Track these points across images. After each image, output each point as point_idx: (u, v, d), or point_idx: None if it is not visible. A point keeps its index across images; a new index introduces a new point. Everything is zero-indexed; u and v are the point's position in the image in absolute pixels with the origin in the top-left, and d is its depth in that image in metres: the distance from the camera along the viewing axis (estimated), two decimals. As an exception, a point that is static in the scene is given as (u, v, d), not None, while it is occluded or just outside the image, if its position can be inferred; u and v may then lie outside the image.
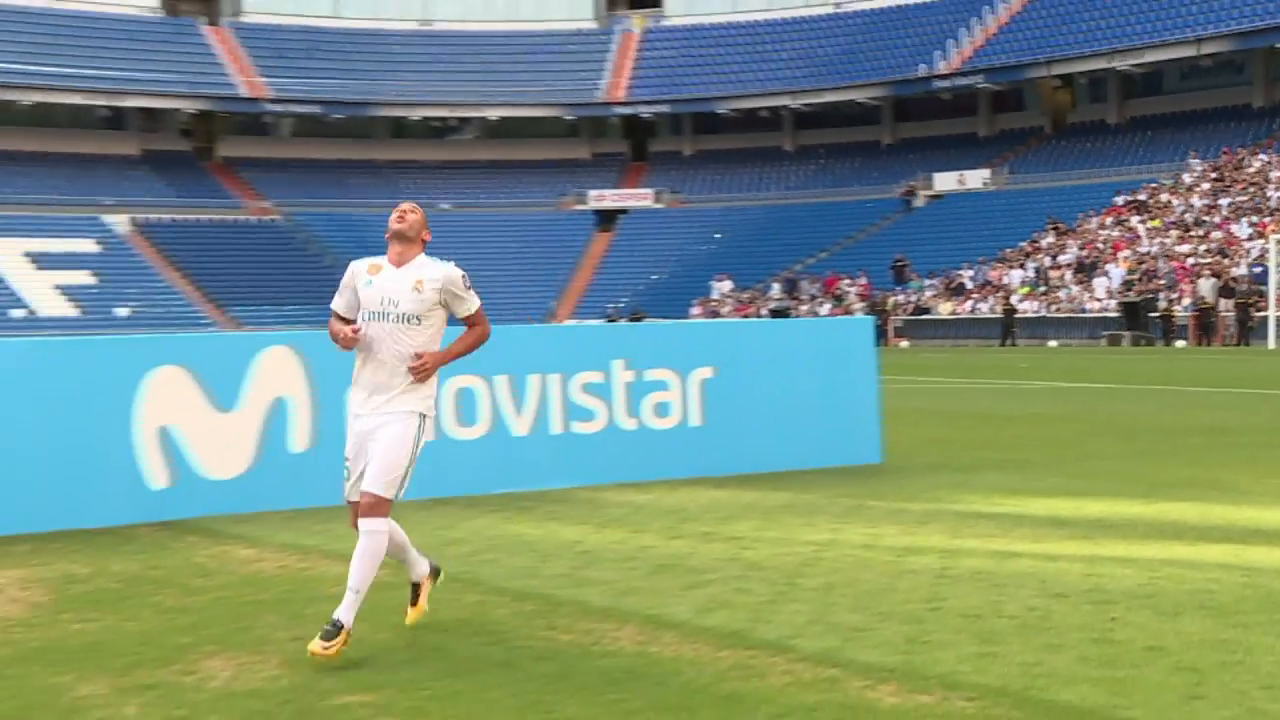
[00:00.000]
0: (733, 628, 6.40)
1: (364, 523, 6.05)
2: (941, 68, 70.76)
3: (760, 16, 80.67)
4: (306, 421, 10.63)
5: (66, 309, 59.50)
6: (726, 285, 64.49)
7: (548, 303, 67.47)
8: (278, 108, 74.71)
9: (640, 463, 11.98)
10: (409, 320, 6.14)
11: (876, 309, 53.67)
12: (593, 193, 77.34)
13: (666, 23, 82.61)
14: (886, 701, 5.23)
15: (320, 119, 76.29)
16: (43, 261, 62.46)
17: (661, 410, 12.13)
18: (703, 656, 5.92)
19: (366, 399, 6.14)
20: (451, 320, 6.46)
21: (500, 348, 11.69)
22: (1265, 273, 46.16)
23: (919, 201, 68.87)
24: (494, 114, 78.02)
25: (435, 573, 6.64)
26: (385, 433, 6.05)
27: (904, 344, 52.57)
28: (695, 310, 62.26)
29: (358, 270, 6.24)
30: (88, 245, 64.41)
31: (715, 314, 60.15)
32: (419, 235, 6.27)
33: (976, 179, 68.27)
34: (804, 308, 59.10)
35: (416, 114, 77.21)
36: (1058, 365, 33.51)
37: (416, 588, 6.54)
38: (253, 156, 76.60)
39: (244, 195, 73.49)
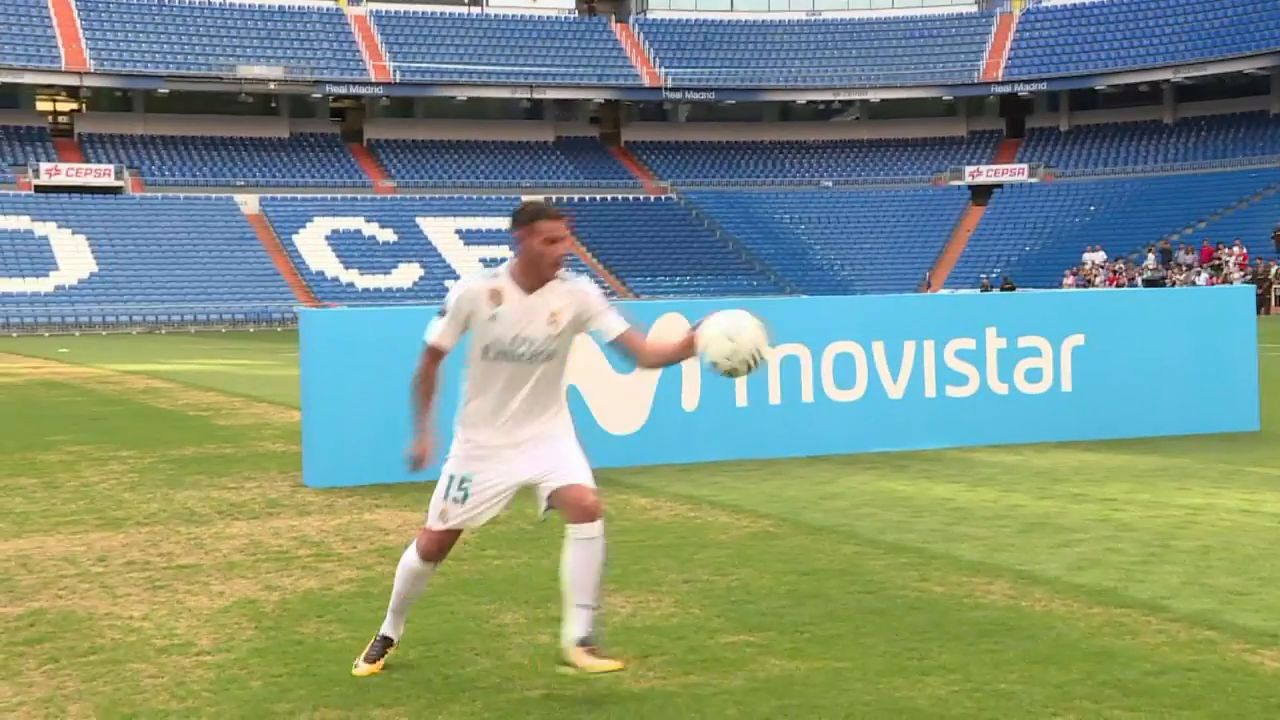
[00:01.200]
0: (1104, 586, 6.14)
1: (586, 528, 4.68)
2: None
3: (1138, -8, 76.83)
4: (695, 383, 10.87)
5: (489, 280, 62.62)
6: (1099, 256, 61.93)
7: (923, 273, 66.53)
8: (675, 95, 76.40)
9: (1011, 426, 11.67)
10: (545, 358, 4.77)
11: (1258, 278, 50.32)
12: (969, 168, 75.65)
13: (1045, 3, 79.82)
14: (1269, 666, 4.89)
15: (713, 104, 77.53)
16: (469, 237, 66.09)
17: (1032, 376, 11.78)
18: (1074, 613, 5.71)
19: (507, 440, 4.79)
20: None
21: (877, 315, 11.60)
22: None
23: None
24: (875, 96, 77.32)
25: (388, 644, 5.10)
26: (560, 441, 4.80)
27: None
28: (1067, 280, 60.02)
29: (478, 295, 4.72)
30: (506, 223, 67.52)
31: (1087, 284, 57.87)
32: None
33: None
34: (1180, 278, 56.00)
35: (802, 98, 77.36)
36: None
37: (385, 643, 5.09)
38: (652, 140, 78.55)
39: (643, 176, 75.53)
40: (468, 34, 75.36)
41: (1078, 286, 57.32)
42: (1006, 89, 77.23)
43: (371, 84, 70.77)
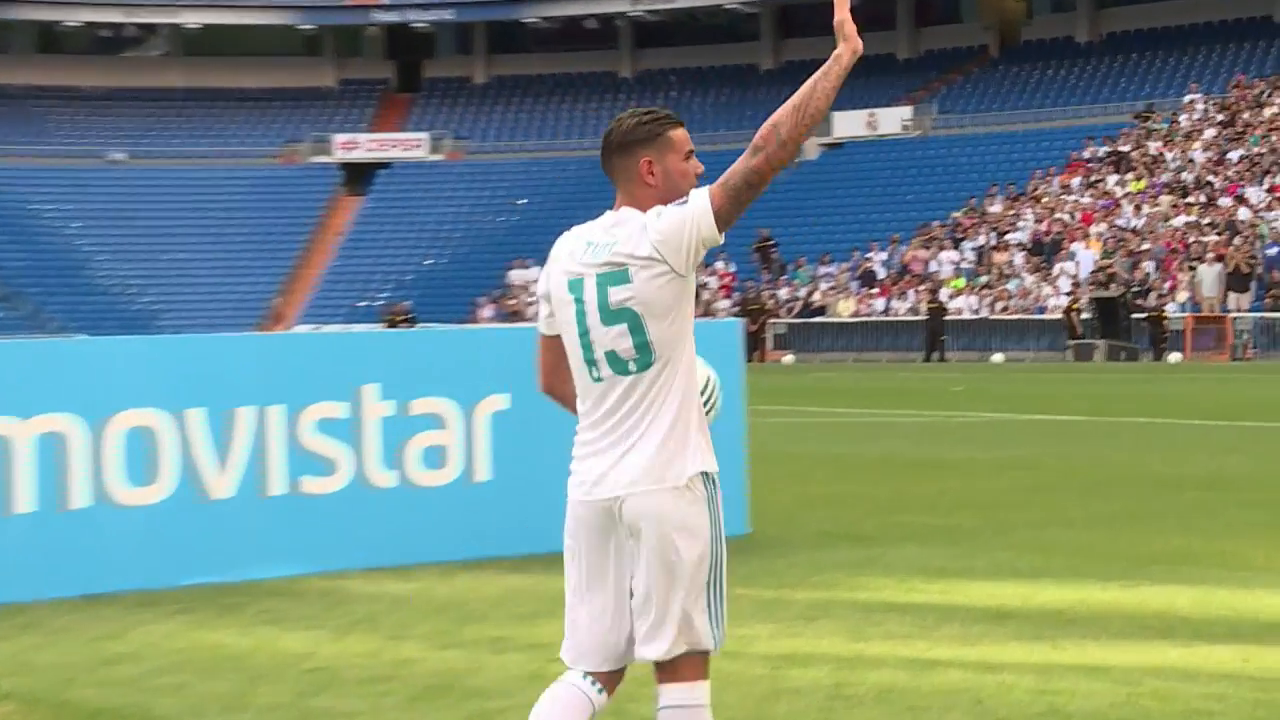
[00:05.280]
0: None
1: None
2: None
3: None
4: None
5: None
6: (532, 274, 64.54)
7: (267, 299, 66.80)
8: None
9: (401, 537, 11.93)
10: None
11: (749, 308, 54.01)
12: (339, 138, 76.89)
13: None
14: None
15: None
16: None
17: (432, 459, 12.09)
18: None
19: None
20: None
21: (195, 367, 11.55)
22: (1279, 255, 47.69)
23: (808, 152, 69.76)
24: (192, 19, 77.13)
25: None
26: None
27: (787, 358, 53.07)
28: (486, 311, 62.21)
29: None
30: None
31: (516, 316, 60.14)
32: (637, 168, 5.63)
33: (892, 120, 69.34)
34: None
35: (74, 18, 75.93)
36: (1004, 389, 34.15)
37: None
38: None
39: None
40: None
41: (500, 320, 59.40)
42: (394, 16, 78.99)
43: None
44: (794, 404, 29.00)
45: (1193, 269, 49.08)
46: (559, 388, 5.81)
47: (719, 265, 60.90)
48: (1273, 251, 48.55)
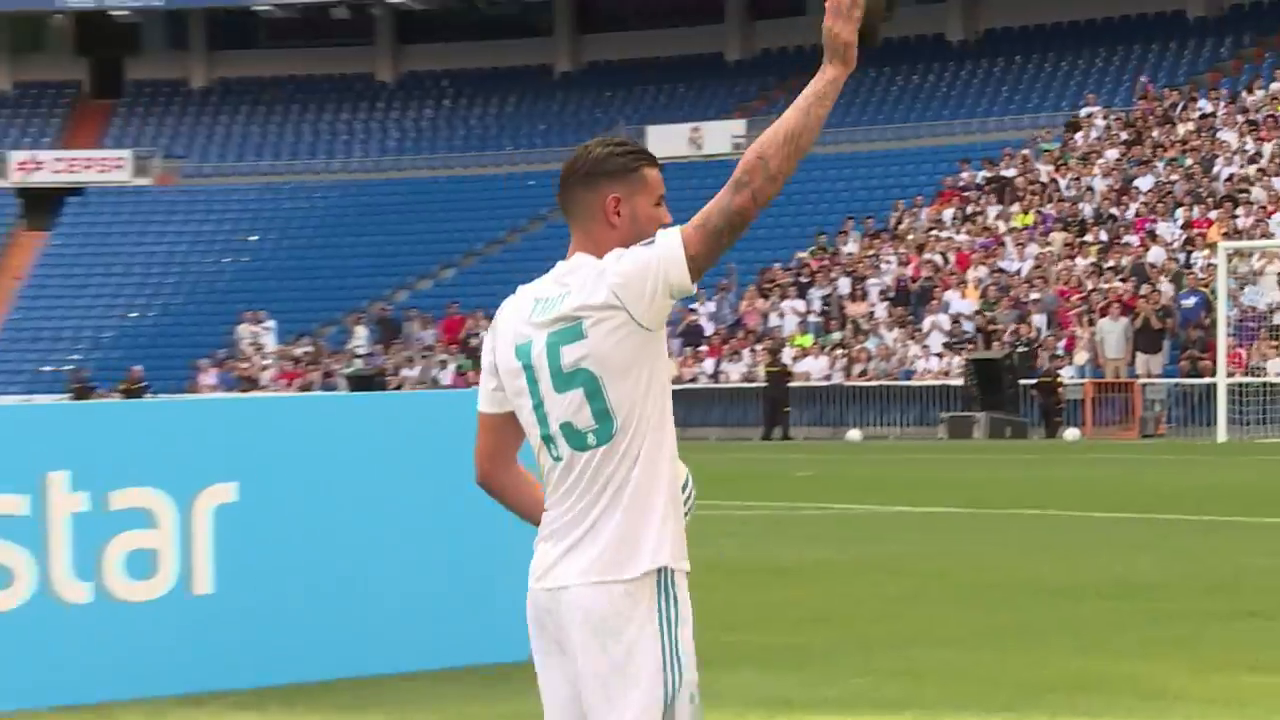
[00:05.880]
0: None
1: None
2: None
3: None
4: None
5: None
6: (266, 329, 64.17)
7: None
8: None
9: (98, 667, 11.79)
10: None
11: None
12: (16, 156, 75.91)
13: None
14: None
15: None
16: None
17: (139, 566, 11.96)
18: None
19: None
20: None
21: None
22: (1200, 305, 47.77)
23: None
24: None
25: None
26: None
27: (592, 436, 53.07)
28: (209, 376, 61.64)
29: None
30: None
31: (248, 383, 59.75)
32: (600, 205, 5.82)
33: (721, 137, 69.57)
34: (409, 372, 59.13)
35: None
36: (862, 474, 34.34)
37: None
38: None
39: None
40: None
41: (227, 388, 58.96)
42: (87, 2, 77.99)
43: None
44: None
45: (1093, 324, 49.31)
46: (499, 478, 5.94)
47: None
48: (1190, 303, 48.35)
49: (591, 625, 5.61)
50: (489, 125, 75.59)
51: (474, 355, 58.91)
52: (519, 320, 5.72)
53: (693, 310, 58.58)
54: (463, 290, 64.73)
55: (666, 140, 68.52)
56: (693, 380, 55.58)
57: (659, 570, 5.65)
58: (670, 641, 5.66)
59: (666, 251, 5.55)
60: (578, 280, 5.63)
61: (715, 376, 55.47)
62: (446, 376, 58.19)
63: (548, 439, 5.69)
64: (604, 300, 5.56)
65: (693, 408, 54.48)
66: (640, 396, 5.65)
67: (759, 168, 5.57)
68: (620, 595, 5.61)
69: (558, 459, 5.68)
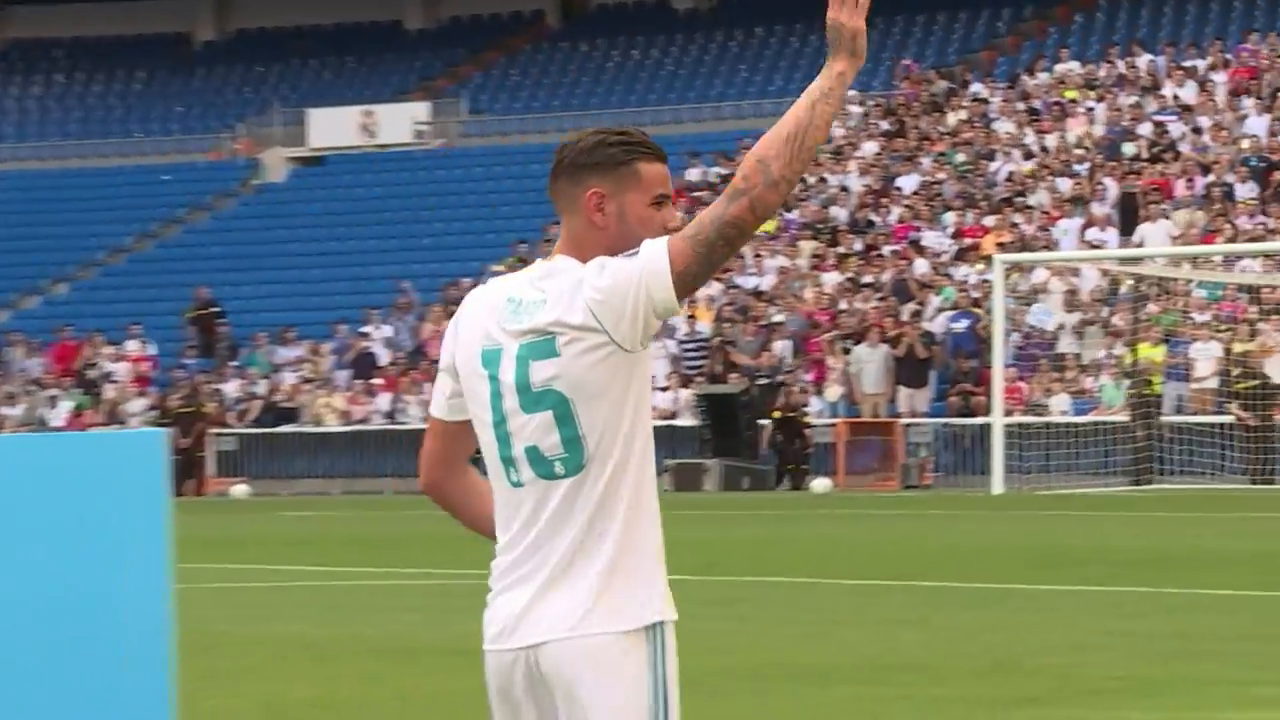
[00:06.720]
0: None
1: None
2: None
3: None
4: None
5: None
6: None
7: None
8: None
9: None
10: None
11: (179, 412, 53.54)
12: None
13: None
14: None
15: None
16: None
17: None
18: None
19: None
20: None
21: None
22: (972, 329, 48.43)
23: (271, 172, 69.79)
24: None
25: None
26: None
27: (238, 489, 52.94)
28: None
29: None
30: None
31: None
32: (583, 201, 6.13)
33: (399, 123, 69.74)
34: (9, 410, 58.64)
35: None
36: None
37: None
38: None
39: None
40: None
41: None
42: None
43: None
44: (248, 561, 28.99)
45: (846, 351, 49.81)
46: (446, 484, 6.14)
47: (130, 346, 60.17)
48: (960, 326, 49.11)
49: (582, 683, 5.72)
50: (112, 105, 75.39)
51: (92, 390, 58.40)
52: (490, 320, 5.88)
53: (364, 335, 58.46)
54: (78, 309, 64.40)
55: (332, 126, 68.65)
56: (363, 421, 55.48)
57: (652, 627, 5.80)
58: (663, 702, 5.80)
59: (650, 267, 5.73)
60: (554, 288, 5.82)
61: (392, 415, 55.37)
62: (58, 417, 57.47)
63: (508, 461, 5.86)
64: (580, 320, 5.75)
65: (364, 455, 54.54)
66: (617, 423, 5.83)
67: (759, 173, 5.74)
68: (614, 649, 5.75)
69: (517, 484, 5.84)
